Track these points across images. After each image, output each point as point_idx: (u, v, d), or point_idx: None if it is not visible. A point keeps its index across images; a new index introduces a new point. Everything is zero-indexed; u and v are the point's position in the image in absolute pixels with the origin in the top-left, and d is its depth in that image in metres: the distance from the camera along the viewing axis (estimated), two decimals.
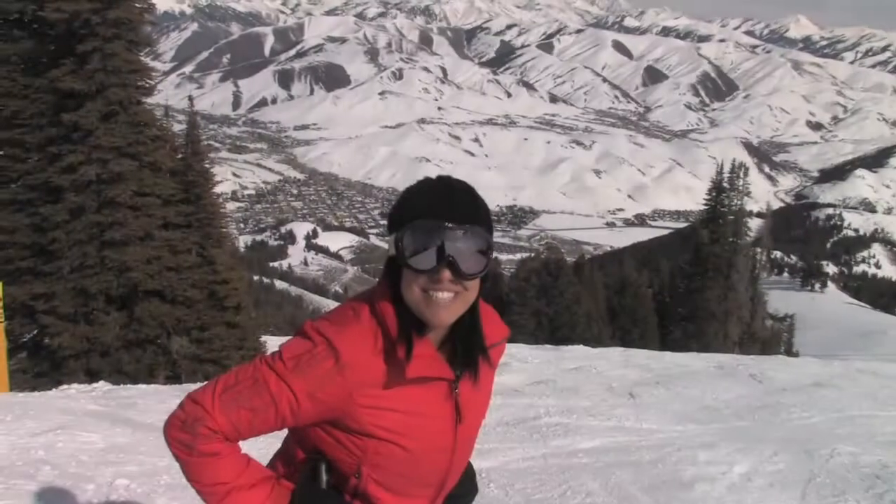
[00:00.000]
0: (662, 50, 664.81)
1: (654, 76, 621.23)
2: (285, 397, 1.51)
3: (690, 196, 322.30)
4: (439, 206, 1.51)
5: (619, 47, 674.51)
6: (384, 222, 1.62)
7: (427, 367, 1.57)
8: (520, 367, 11.19)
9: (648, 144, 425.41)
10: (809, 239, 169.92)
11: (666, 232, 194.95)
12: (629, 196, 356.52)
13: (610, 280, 39.49)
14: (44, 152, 11.73)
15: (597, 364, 11.28)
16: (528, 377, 10.00)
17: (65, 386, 9.56)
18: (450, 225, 1.48)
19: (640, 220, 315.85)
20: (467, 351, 1.65)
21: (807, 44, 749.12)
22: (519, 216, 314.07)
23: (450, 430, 1.66)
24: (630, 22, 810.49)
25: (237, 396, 1.53)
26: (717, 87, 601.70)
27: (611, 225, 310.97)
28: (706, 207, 31.46)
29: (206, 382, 1.70)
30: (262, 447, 2.28)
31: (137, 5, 11.99)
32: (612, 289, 37.78)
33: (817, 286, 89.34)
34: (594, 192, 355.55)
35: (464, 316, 1.59)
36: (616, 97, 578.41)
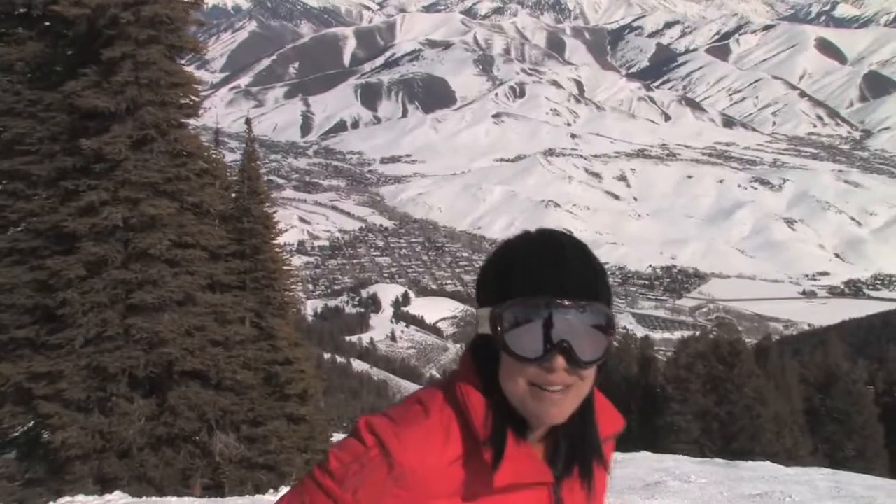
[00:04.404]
0: (894, 48, 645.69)
1: (878, 86, 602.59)
2: None
3: None
4: (550, 274, 1.55)
5: (827, 47, 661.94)
6: None
7: (521, 472, 1.60)
8: (679, 488, 10.77)
9: (867, 183, 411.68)
10: None
11: (894, 306, 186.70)
12: (837, 255, 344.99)
13: (810, 372, 37.98)
14: (55, 188, 12.08)
15: (792, 491, 10.77)
16: None
17: (67, 498, 9.69)
18: (565, 302, 1.54)
19: (854, 289, 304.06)
20: (577, 451, 1.69)
21: None
22: (679, 281, 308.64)
23: None
24: (844, 10, 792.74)
25: None
26: None
27: (810, 294, 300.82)
28: None
29: None
30: None
31: None
32: (812, 384, 36.34)
33: None
34: (786, 249, 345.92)
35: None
36: (819, 118, 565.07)
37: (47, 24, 12.51)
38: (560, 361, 1.55)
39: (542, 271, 1.56)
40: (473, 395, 1.61)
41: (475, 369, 1.65)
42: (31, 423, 12.37)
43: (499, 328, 1.56)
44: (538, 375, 1.56)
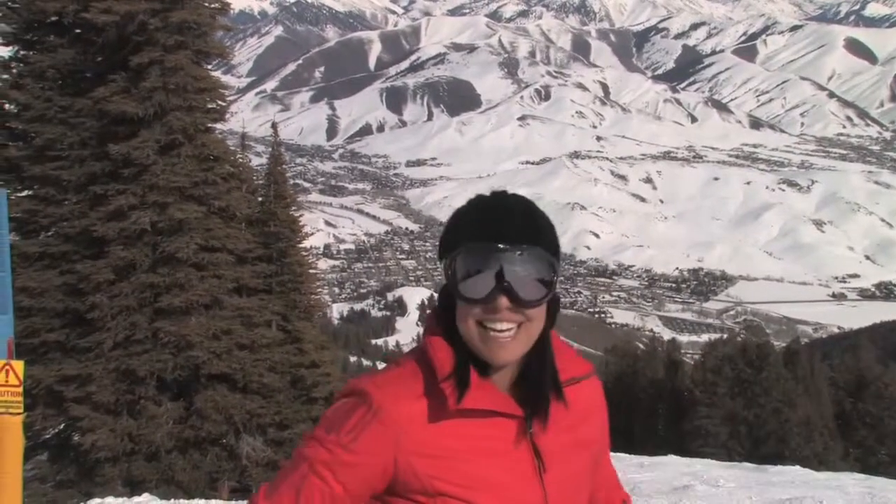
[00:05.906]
0: None
1: None
2: (321, 461, 1.72)
3: None
4: (493, 224, 1.74)
5: (856, 47, 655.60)
6: None
7: (485, 400, 1.74)
8: (707, 492, 10.66)
9: None
10: None
11: None
12: (867, 257, 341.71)
13: (840, 375, 37.65)
14: (84, 193, 12.19)
15: (823, 496, 10.54)
16: None
17: (97, 500, 9.75)
18: (505, 246, 1.71)
19: (885, 291, 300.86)
20: (536, 385, 1.81)
21: None
22: (706, 283, 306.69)
23: (533, 479, 1.78)
24: (874, 9, 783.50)
25: (280, 479, 1.78)
26: None
27: (839, 297, 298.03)
28: None
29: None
30: None
31: (208, 4, 12.37)
32: (843, 388, 36.00)
33: None
34: (814, 251, 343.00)
35: (532, 351, 1.78)
36: (849, 118, 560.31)
37: (78, 31, 12.67)
38: (504, 301, 1.68)
39: (485, 220, 1.74)
40: (435, 340, 1.78)
41: (440, 320, 1.81)
42: (61, 426, 12.50)
43: (450, 273, 1.73)
44: (485, 315, 1.70)
